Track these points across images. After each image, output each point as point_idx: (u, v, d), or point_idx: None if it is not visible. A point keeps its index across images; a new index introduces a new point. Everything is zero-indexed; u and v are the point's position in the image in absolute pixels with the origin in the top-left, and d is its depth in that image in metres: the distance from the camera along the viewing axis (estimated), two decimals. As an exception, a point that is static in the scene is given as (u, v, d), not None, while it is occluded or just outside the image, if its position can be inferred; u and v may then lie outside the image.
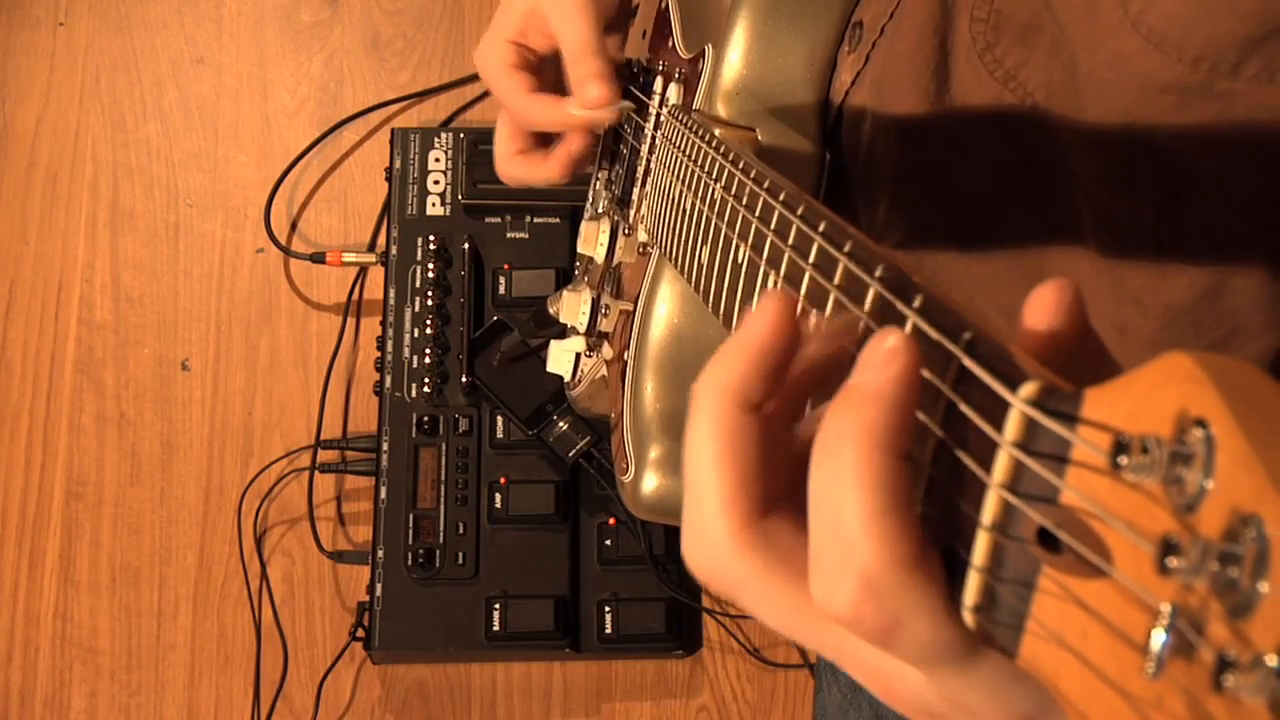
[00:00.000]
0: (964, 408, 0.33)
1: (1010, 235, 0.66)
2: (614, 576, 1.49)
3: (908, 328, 0.37)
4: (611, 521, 1.49)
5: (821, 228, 0.45)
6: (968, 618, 0.33)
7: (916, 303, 0.37)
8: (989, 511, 0.32)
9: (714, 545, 0.38)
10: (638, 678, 1.56)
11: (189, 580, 1.56)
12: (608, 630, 1.47)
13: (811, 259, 0.45)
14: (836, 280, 0.43)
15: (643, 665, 1.55)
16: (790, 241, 0.47)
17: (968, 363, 0.34)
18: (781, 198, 0.50)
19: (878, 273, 0.40)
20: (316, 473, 1.57)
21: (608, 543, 1.49)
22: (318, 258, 1.59)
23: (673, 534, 1.50)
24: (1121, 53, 0.51)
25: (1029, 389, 0.31)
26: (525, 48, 0.85)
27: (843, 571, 0.33)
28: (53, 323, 1.63)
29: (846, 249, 0.42)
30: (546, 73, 0.86)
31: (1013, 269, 0.66)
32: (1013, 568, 0.31)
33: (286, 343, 1.64)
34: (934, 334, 0.35)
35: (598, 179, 0.95)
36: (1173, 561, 0.26)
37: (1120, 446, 0.28)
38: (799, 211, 0.48)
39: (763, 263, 0.50)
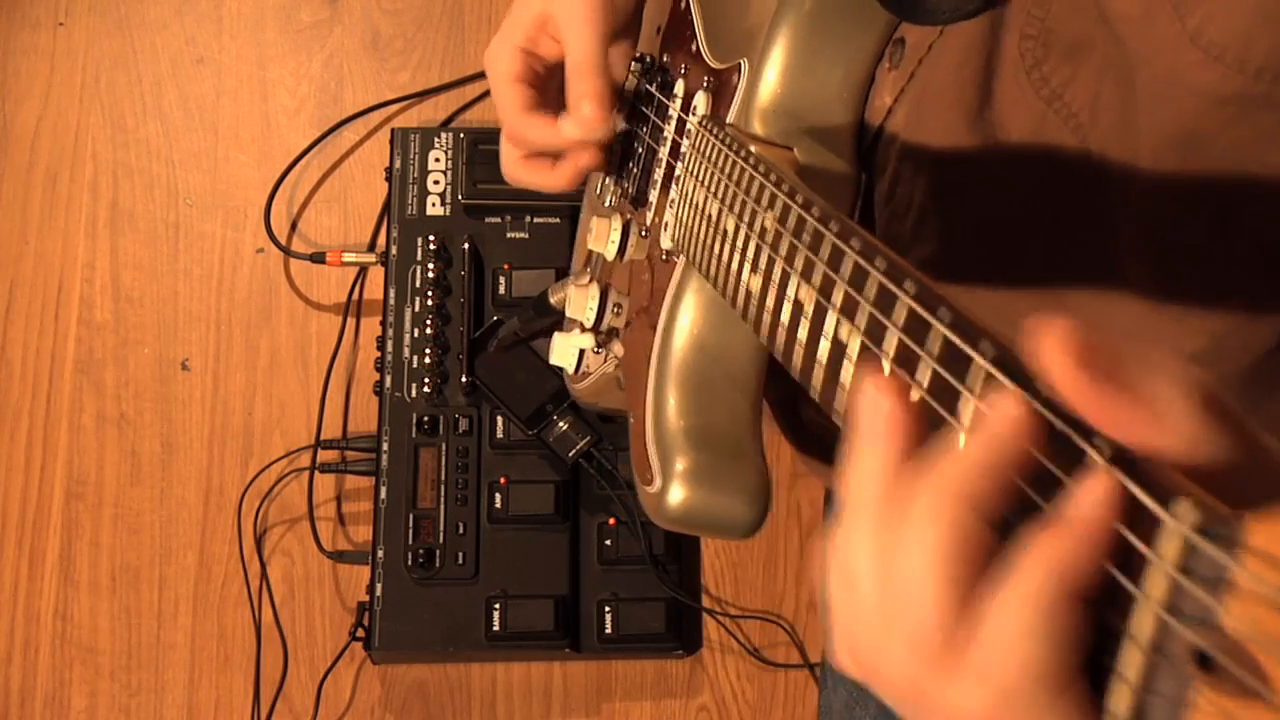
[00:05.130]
0: (1117, 524, 0.34)
1: (1043, 257, 0.66)
2: (614, 576, 1.49)
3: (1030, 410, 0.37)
4: (611, 521, 1.49)
5: (911, 288, 0.45)
6: None
7: (1040, 388, 0.37)
8: (1145, 628, 0.32)
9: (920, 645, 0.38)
10: (638, 678, 1.56)
11: (189, 580, 1.56)
12: (608, 630, 1.47)
13: (902, 323, 0.44)
14: (936, 350, 0.42)
15: (643, 665, 1.55)
16: (872, 297, 0.47)
17: (1118, 475, 0.34)
18: (854, 244, 0.49)
19: (981, 345, 0.40)
20: (316, 473, 1.57)
21: (608, 543, 1.49)
22: (318, 258, 1.59)
23: (673, 534, 1.50)
24: (1179, 66, 0.51)
25: (1187, 510, 0.31)
26: (533, 55, 0.84)
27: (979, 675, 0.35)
28: (53, 323, 1.63)
29: (946, 319, 0.42)
30: (553, 80, 0.85)
31: (1042, 290, 0.66)
32: (1165, 683, 0.32)
33: (286, 343, 1.64)
34: (1069, 432, 0.35)
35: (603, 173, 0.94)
36: None
37: None
38: (876, 263, 0.47)
39: (836, 311, 0.50)
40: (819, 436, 0.87)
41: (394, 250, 1.55)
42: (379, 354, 1.53)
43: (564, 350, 0.94)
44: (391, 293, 1.54)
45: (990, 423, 0.38)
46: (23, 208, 1.66)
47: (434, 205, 1.57)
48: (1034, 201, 0.64)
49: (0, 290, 1.64)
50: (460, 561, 1.46)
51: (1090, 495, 0.35)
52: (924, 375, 0.43)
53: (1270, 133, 0.52)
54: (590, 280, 0.93)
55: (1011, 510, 0.38)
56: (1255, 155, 0.53)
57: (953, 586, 0.37)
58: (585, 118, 0.80)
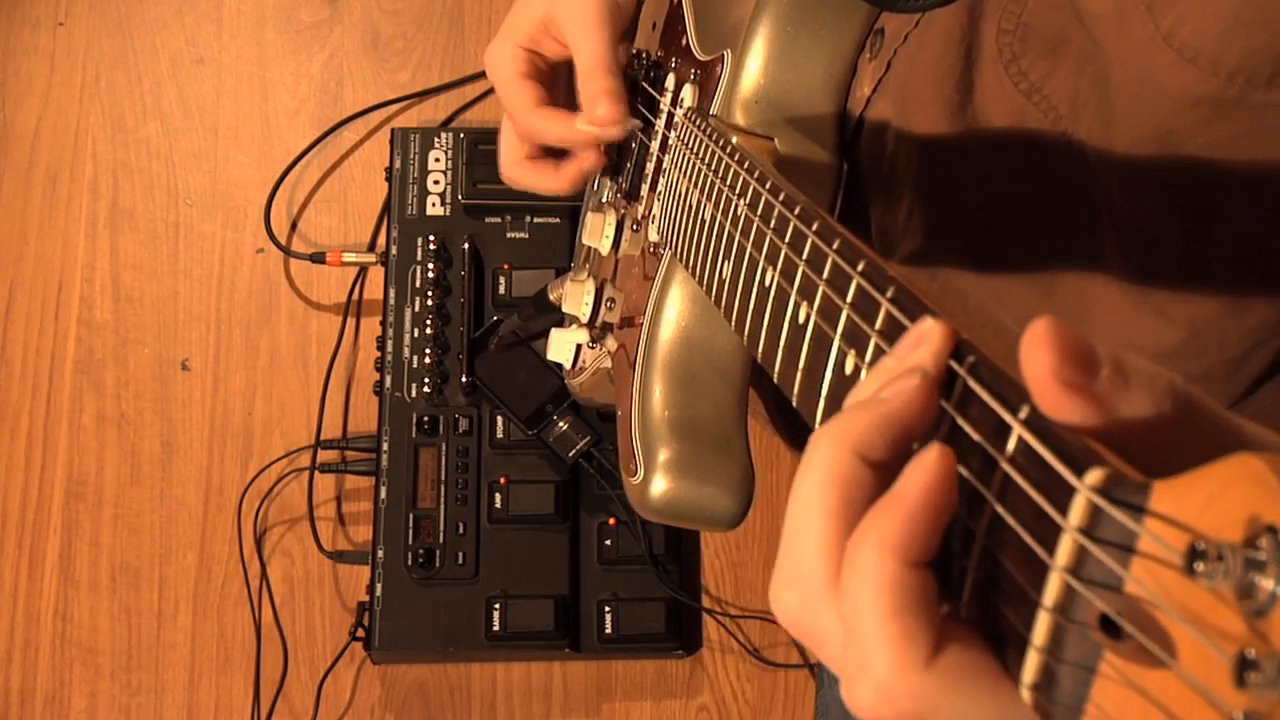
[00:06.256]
0: (1026, 487, 0.33)
1: (1029, 247, 0.66)
2: (614, 576, 1.49)
3: (977, 392, 0.36)
4: (611, 521, 1.49)
5: (861, 267, 0.45)
6: (1025, 695, 0.33)
7: (969, 360, 0.37)
8: (1050, 593, 0.32)
9: (809, 587, 0.38)
10: (638, 678, 1.56)
11: (189, 580, 1.56)
12: (608, 630, 1.47)
13: (851, 299, 0.45)
14: (878, 325, 0.42)
15: (643, 665, 1.55)
16: (827, 277, 0.47)
17: (1031, 440, 0.33)
18: (815, 228, 0.50)
19: (919, 318, 0.40)
20: (316, 473, 1.57)
21: (608, 543, 1.49)
22: (318, 258, 1.59)
23: (673, 534, 1.50)
24: (1153, 68, 0.51)
25: (1096, 475, 0.31)
26: (536, 54, 0.84)
27: (859, 675, 0.35)
28: (53, 323, 1.63)
29: (890, 294, 0.42)
30: (557, 80, 0.85)
31: (1029, 280, 0.66)
32: (1073, 650, 0.31)
33: (286, 343, 1.64)
34: (994, 404, 0.35)
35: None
36: (1252, 677, 0.25)
37: (1196, 553, 0.27)
38: (834, 246, 0.47)
39: (793, 293, 0.50)
40: None
41: (394, 250, 1.55)
42: (379, 354, 1.53)
43: (561, 345, 0.95)
44: (391, 293, 1.54)
45: (890, 373, 0.38)
46: (23, 208, 1.66)
47: (434, 205, 1.57)
48: (1018, 193, 0.65)
49: (0, 290, 1.64)
50: (460, 561, 1.46)
51: (919, 471, 0.35)
52: (869, 351, 0.43)
53: (1245, 134, 0.52)
54: (587, 275, 0.93)
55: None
56: (1231, 155, 0.53)
57: (833, 522, 0.37)
58: (601, 116, 0.79)
